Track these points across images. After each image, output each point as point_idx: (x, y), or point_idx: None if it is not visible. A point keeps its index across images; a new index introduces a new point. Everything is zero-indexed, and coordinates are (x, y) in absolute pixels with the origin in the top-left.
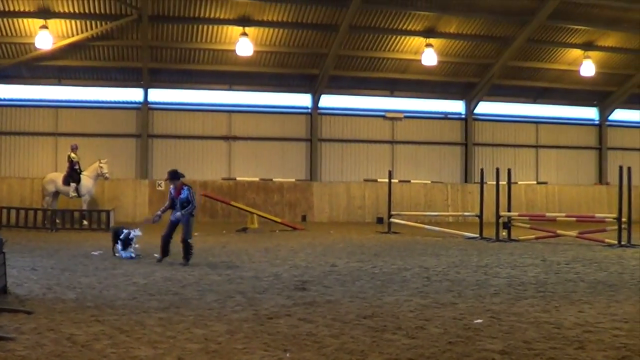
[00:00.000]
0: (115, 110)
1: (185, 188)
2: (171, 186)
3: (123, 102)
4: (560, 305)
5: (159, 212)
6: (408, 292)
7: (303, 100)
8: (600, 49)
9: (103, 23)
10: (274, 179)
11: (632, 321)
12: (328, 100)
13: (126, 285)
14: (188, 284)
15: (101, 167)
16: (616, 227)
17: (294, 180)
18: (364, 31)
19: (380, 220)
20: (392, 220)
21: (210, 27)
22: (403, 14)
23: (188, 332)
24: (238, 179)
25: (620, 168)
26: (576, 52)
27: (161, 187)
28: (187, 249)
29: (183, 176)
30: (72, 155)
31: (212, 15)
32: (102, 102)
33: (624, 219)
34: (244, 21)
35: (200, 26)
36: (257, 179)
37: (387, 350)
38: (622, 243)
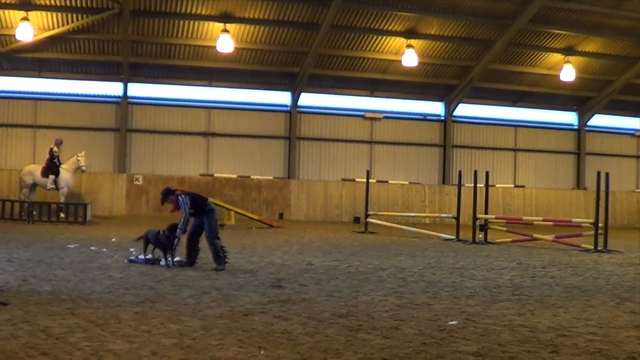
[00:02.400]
0: (95, 104)
1: (180, 199)
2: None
3: (102, 96)
4: (535, 308)
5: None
6: (383, 292)
7: (283, 98)
8: (580, 54)
9: (84, 16)
10: (252, 176)
11: (606, 326)
12: (308, 99)
13: (102, 279)
14: (164, 278)
15: (78, 160)
16: (593, 232)
17: (271, 178)
18: (345, 30)
19: (357, 220)
20: (369, 220)
21: (192, 22)
22: (384, 14)
23: (163, 327)
24: (216, 175)
25: (598, 173)
26: (556, 57)
27: (139, 181)
28: (214, 251)
29: (172, 192)
30: (55, 149)
31: (193, 11)
32: (82, 95)
33: (600, 224)
34: (225, 17)
35: (182, 22)
36: (235, 175)
37: (362, 349)
38: (598, 248)
